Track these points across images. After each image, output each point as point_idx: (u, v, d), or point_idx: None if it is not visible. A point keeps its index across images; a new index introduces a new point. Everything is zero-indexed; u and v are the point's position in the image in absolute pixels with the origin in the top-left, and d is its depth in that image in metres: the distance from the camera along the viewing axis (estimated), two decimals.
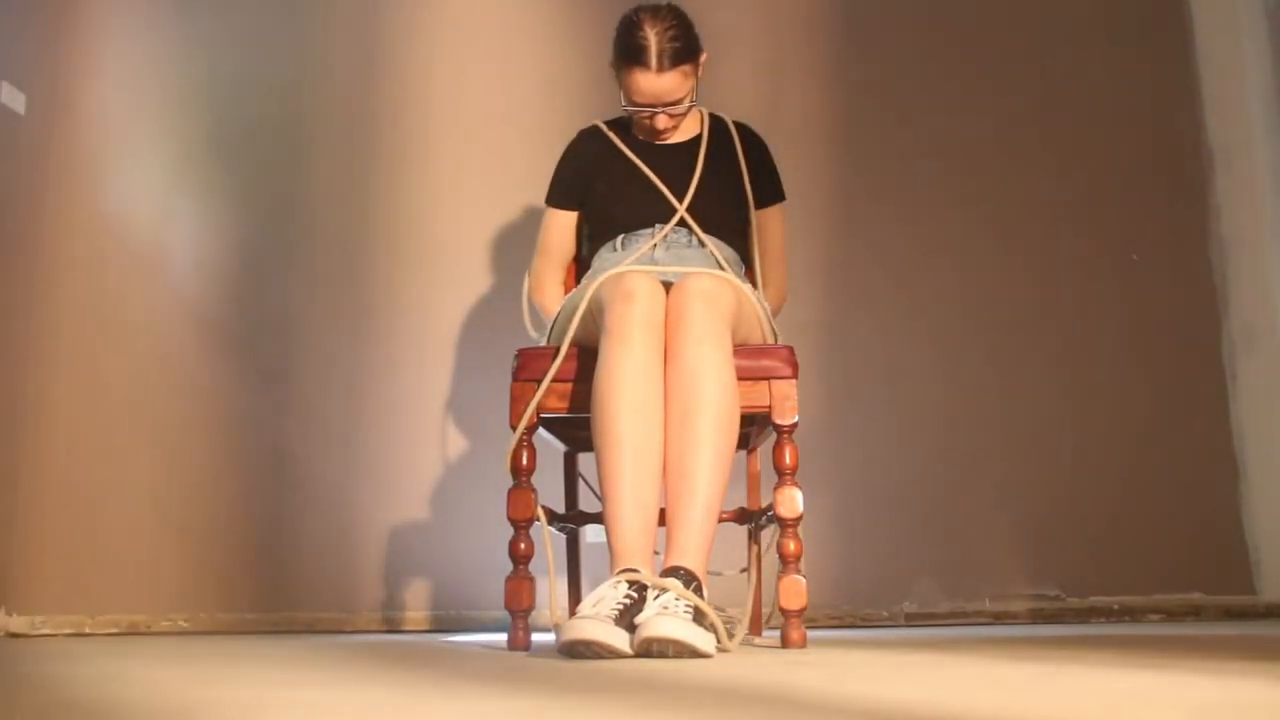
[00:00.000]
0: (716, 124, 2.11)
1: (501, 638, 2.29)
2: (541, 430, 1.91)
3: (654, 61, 1.90)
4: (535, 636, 2.07)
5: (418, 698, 0.96)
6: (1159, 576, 2.73)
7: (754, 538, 2.15)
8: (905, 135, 3.01)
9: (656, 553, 1.65)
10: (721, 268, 1.95)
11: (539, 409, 1.80)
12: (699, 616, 1.48)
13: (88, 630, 2.80)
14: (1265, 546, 2.72)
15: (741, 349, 1.78)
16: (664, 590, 1.50)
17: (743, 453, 2.27)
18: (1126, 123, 2.99)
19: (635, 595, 1.53)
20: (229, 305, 3.01)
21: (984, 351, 2.88)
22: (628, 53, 1.92)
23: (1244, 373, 2.81)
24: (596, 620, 1.44)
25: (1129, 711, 0.75)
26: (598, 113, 2.19)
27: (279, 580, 2.83)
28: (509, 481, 1.82)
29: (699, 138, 2.08)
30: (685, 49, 1.92)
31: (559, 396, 1.81)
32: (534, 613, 1.76)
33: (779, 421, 1.80)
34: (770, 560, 2.37)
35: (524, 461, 1.81)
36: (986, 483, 2.80)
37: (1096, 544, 2.76)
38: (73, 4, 3.20)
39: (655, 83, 1.92)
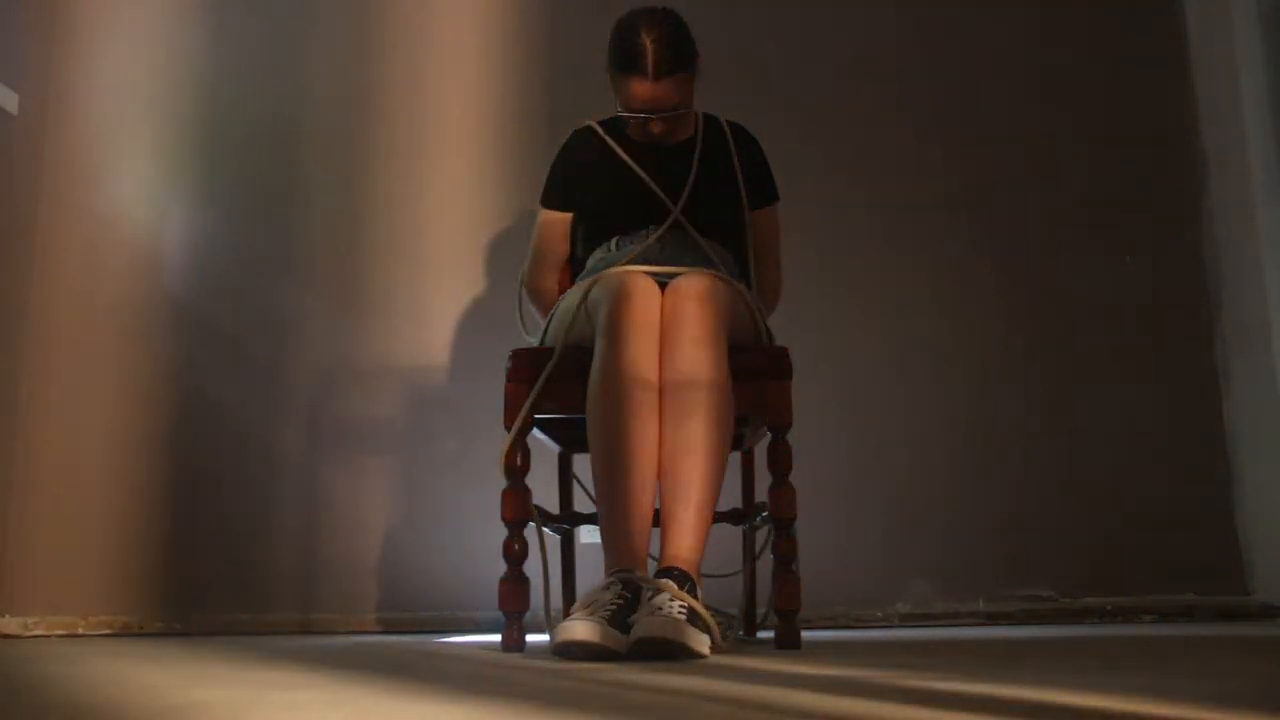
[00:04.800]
0: (710, 124, 2.11)
1: (496, 639, 2.29)
2: (536, 431, 1.91)
3: (651, 69, 1.89)
4: (530, 637, 2.07)
5: (411, 699, 0.96)
6: (1152, 577, 2.74)
7: (748, 538, 2.15)
8: (898, 137, 3.02)
9: (651, 556, 1.64)
10: (716, 268, 1.94)
11: (533, 410, 1.80)
12: (693, 617, 1.48)
13: (80, 631, 2.79)
14: (1258, 547, 2.72)
15: (736, 349, 1.78)
16: (658, 590, 1.50)
17: (737, 453, 2.27)
18: (1120, 125, 3.00)
19: (629, 596, 1.53)
20: (223, 306, 3.00)
21: (978, 352, 2.89)
22: (624, 59, 1.91)
23: (1237, 374, 2.82)
24: (591, 621, 1.44)
25: (1122, 712, 0.76)
26: (592, 113, 2.19)
27: (273, 581, 2.82)
28: (503, 482, 1.82)
29: (693, 139, 2.07)
30: (682, 55, 1.91)
31: (553, 397, 1.81)
32: (528, 613, 1.75)
33: (774, 422, 1.79)
34: (765, 560, 2.37)
35: (518, 462, 1.80)
36: (980, 483, 2.81)
37: (1090, 545, 2.77)
38: (66, 3, 3.20)
39: (652, 90, 1.91)
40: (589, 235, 2.05)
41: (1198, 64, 3.00)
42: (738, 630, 1.96)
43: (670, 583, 1.51)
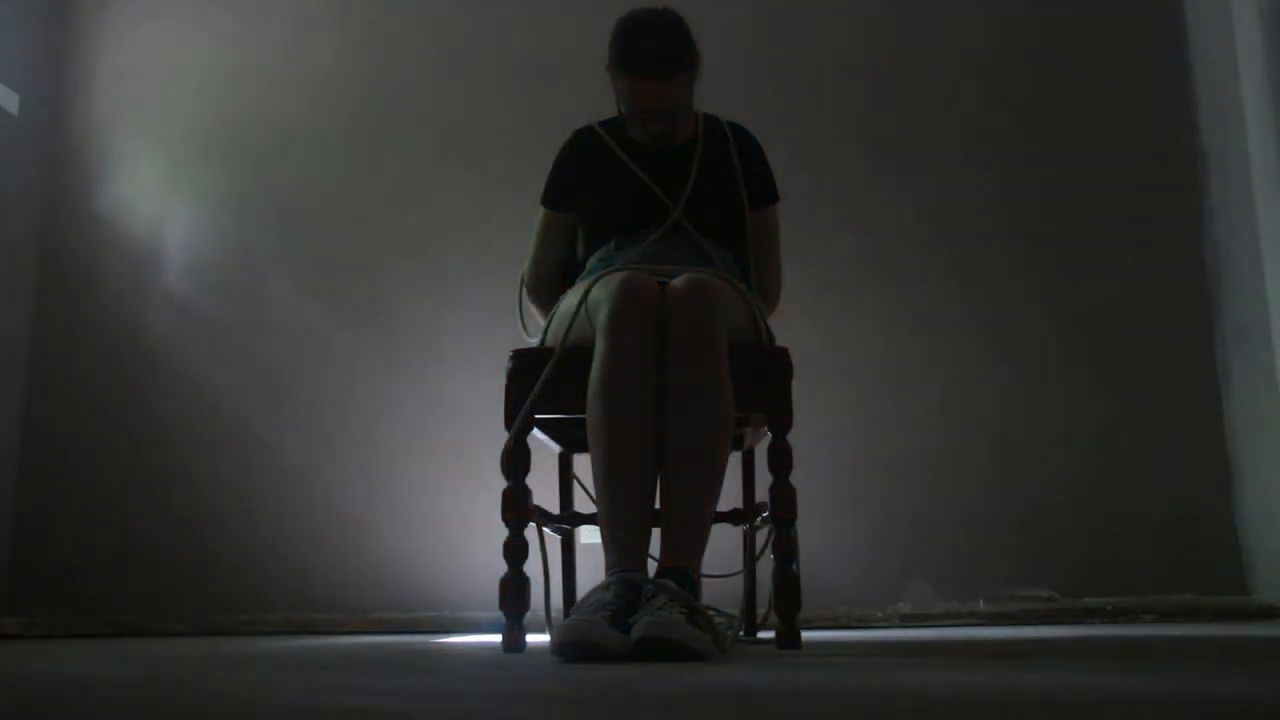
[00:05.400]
0: (710, 125, 2.11)
1: (496, 639, 2.30)
2: (536, 431, 1.91)
3: (652, 69, 1.89)
4: (530, 637, 2.07)
5: (411, 700, 0.96)
6: (1153, 578, 2.74)
7: (749, 538, 2.14)
8: (898, 137, 3.02)
9: (651, 557, 1.64)
10: (716, 268, 1.94)
11: (533, 410, 1.80)
12: (694, 617, 1.48)
13: (81, 631, 2.79)
14: (1259, 548, 2.72)
15: (737, 349, 1.77)
16: (659, 591, 1.50)
17: (737, 453, 2.27)
18: (1121, 124, 3.00)
19: (630, 596, 1.52)
20: (223, 306, 3.01)
21: (978, 352, 2.89)
22: (625, 59, 1.90)
23: (1237, 373, 2.82)
24: (591, 621, 1.43)
25: (1122, 712, 0.76)
26: (594, 113, 2.19)
27: (274, 581, 2.83)
28: (503, 482, 1.82)
29: (693, 139, 2.07)
30: (682, 55, 1.91)
31: (553, 397, 1.80)
32: (528, 613, 1.75)
33: (774, 422, 1.79)
34: (765, 560, 2.37)
35: (518, 462, 1.80)
36: (981, 484, 2.81)
37: (1090, 545, 2.77)
38: (66, 3, 3.20)
39: (653, 90, 1.91)
40: (589, 236, 2.05)
41: (1198, 64, 3.00)
42: (738, 630, 1.96)
43: (670, 583, 1.51)
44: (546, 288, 2.16)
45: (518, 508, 1.77)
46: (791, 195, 2.36)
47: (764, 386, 1.79)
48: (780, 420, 1.79)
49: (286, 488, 2.89)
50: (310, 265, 3.02)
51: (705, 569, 1.68)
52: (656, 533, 1.65)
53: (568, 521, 2.09)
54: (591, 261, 2.02)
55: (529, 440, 1.83)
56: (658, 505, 1.66)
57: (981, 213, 2.97)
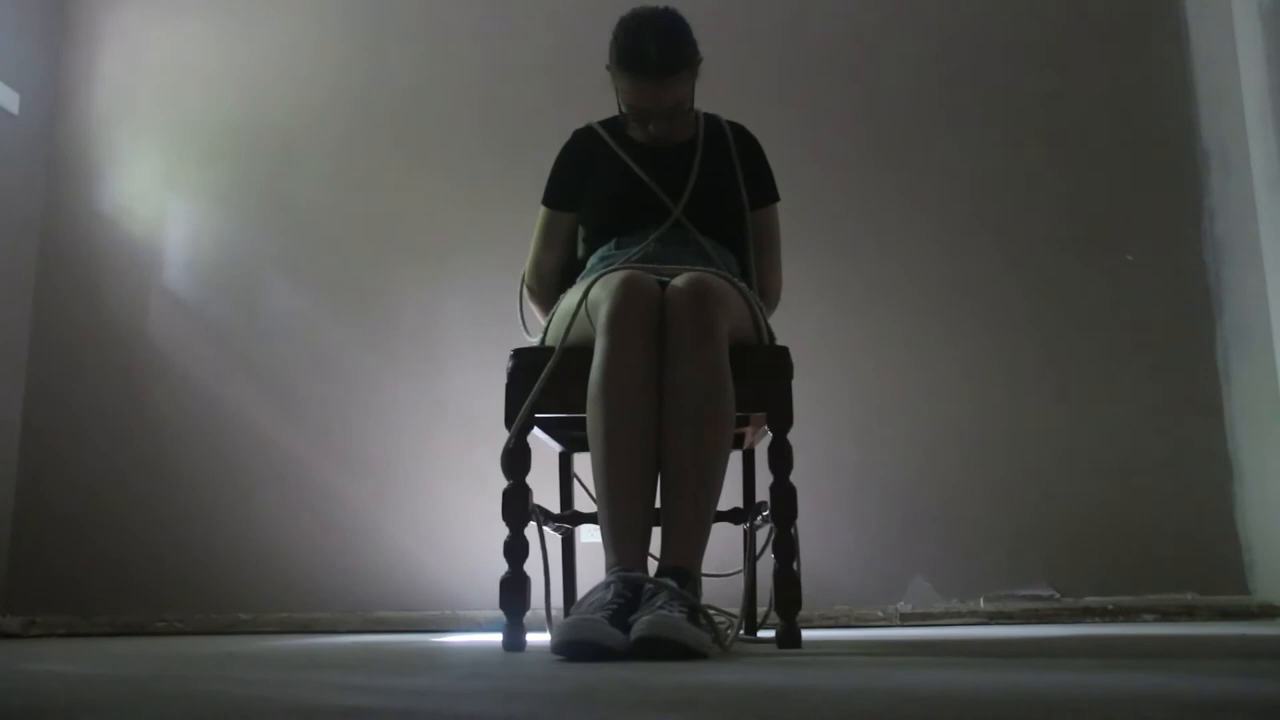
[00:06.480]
0: (711, 124, 2.11)
1: (496, 638, 2.30)
2: (537, 430, 1.91)
3: (652, 68, 1.89)
4: (530, 637, 2.07)
5: (411, 700, 0.96)
6: (1153, 577, 2.74)
7: (749, 538, 2.14)
8: (898, 137, 3.02)
9: (652, 556, 1.64)
10: (717, 268, 1.94)
11: (534, 409, 1.80)
12: (694, 616, 1.48)
13: (81, 630, 2.79)
14: (1259, 547, 2.72)
15: (737, 348, 1.77)
16: (659, 590, 1.50)
17: (738, 452, 2.27)
18: (1121, 124, 3.00)
19: (630, 595, 1.52)
20: (223, 306, 3.01)
21: (979, 352, 2.89)
22: (625, 58, 1.90)
23: (1238, 373, 2.82)
24: (591, 620, 1.43)
25: (1122, 712, 0.76)
26: (597, 113, 2.19)
27: (274, 581, 2.83)
28: (503, 482, 1.82)
29: (694, 139, 2.07)
30: (683, 55, 1.91)
31: (554, 397, 1.81)
32: (528, 613, 1.75)
33: (774, 421, 1.79)
34: (765, 560, 2.37)
35: (519, 462, 1.80)
36: (982, 483, 2.81)
37: (1091, 544, 2.77)
38: (67, 3, 3.20)
39: (653, 89, 1.91)
40: (590, 235, 2.05)
41: (1198, 64, 3.00)
42: (738, 629, 1.96)
43: (671, 582, 1.51)
44: (547, 287, 2.17)
45: (518, 507, 1.77)
46: (791, 195, 2.36)
47: (764, 386, 1.79)
48: (780, 420, 1.79)
49: (286, 487, 2.89)
50: (310, 264, 3.02)
51: (705, 568, 1.68)
52: (657, 532, 1.65)
53: (568, 521, 2.09)
54: (592, 261, 2.02)
55: (529, 439, 1.83)
56: (658, 504, 1.66)
57: (982, 213, 2.97)
